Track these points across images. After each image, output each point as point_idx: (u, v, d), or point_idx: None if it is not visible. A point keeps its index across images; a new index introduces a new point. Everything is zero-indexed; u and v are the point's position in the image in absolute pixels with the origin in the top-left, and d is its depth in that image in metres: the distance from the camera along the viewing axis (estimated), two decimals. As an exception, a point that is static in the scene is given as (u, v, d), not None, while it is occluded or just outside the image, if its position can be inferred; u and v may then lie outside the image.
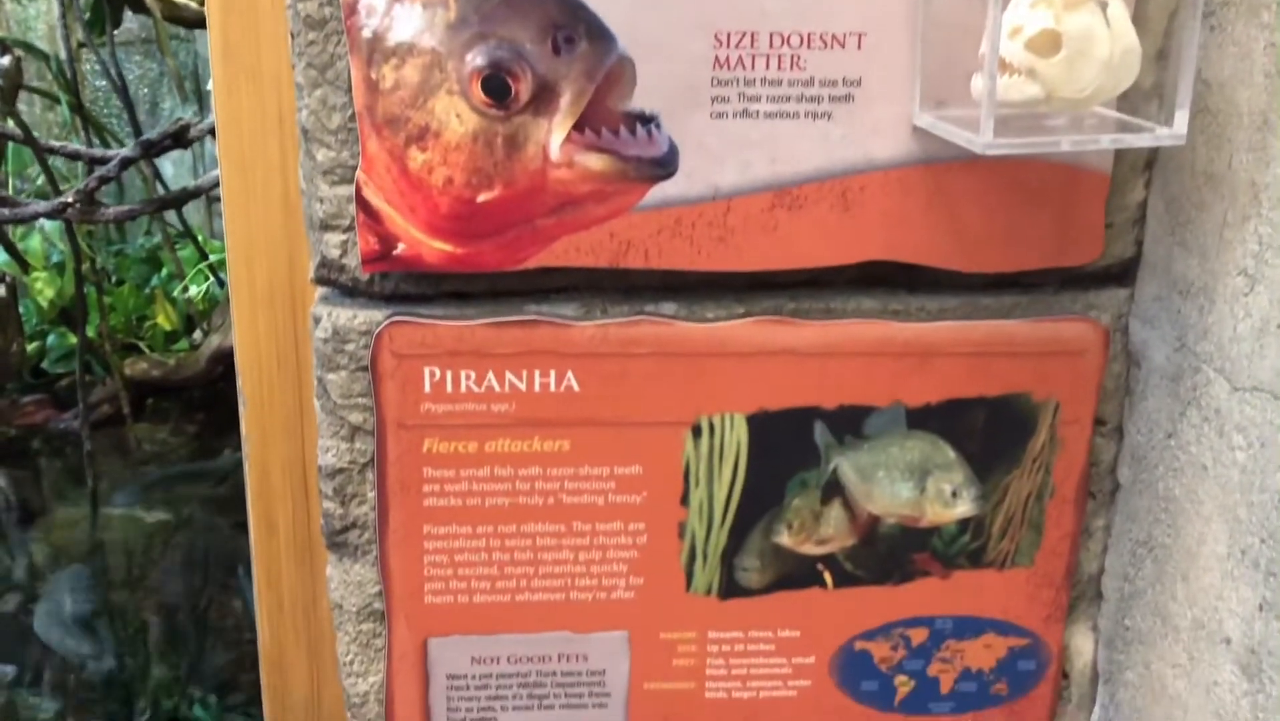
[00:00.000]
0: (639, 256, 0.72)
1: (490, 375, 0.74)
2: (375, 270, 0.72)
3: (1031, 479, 0.78)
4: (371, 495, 0.77)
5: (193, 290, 2.41)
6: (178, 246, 2.52)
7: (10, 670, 1.84)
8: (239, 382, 0.97)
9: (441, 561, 0.77)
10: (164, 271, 2.53)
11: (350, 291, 0.75)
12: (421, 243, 0.70)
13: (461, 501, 0.76)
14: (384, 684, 0.80)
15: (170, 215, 2.47)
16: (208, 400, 2.43)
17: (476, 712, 0.80)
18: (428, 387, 0.74)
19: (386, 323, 0.73)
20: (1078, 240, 0.75)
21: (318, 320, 0.75)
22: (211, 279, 2.40)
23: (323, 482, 0.77)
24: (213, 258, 2.43)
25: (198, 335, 2.46)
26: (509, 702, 0.80)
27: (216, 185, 1.82)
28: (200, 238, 2.52)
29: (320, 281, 0.75)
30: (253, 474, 0.98)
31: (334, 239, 0.73)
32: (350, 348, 0.74)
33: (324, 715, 1.02)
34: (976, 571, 0.80)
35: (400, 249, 0.71)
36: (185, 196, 1.83)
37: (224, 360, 2.33)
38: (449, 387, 0.74)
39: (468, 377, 0.74)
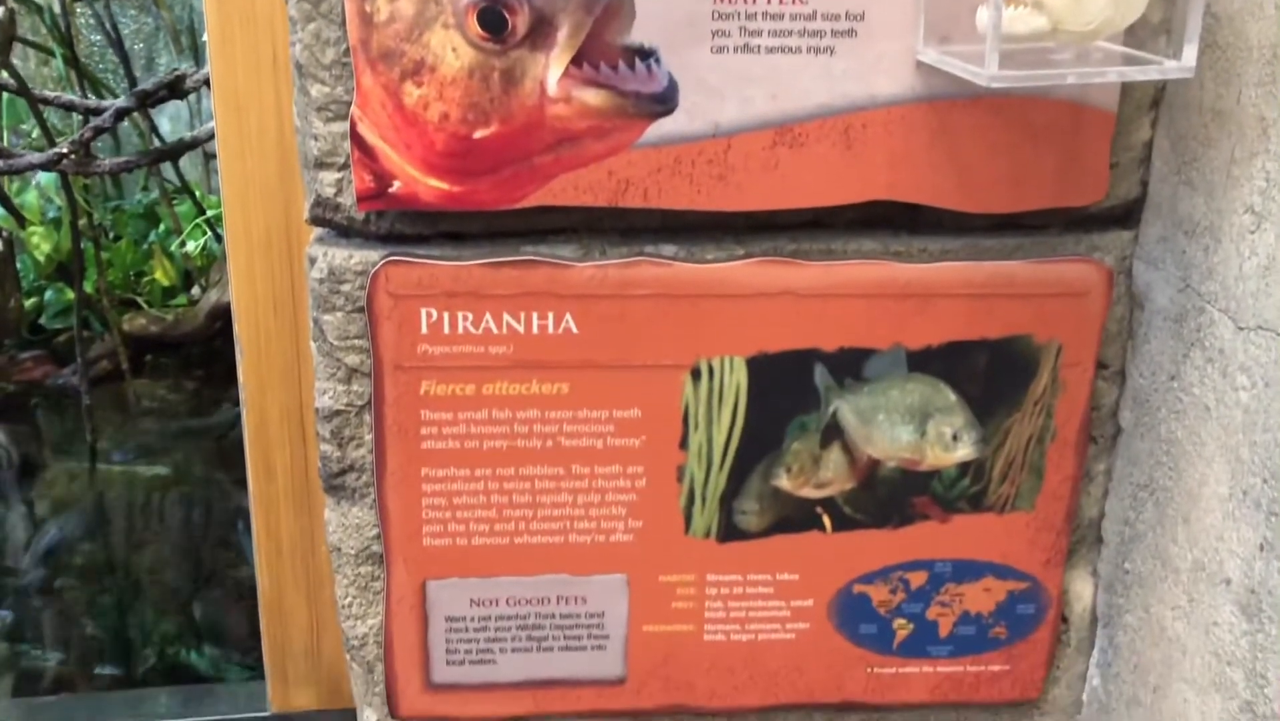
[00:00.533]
0: (638, 195, 0.71)
1: (488, 316, 0.73)
2: (371, 208, 0.71)
3: (1032, 422, 0.78)
4: (369, 437, 0.76)
5: (190, 245, 2.40)
6: (175, 202, 2.50)
7: (7, 614, 1.85)
8: (235, 329, 0.96)
9: (440, 504, 0.76)
10: (161, 227, 2.52)
11: (346, 231, 0.74)
12: (417, 180, 0.69)
13: (459, 444, 0.75)
14: (383, 626, 0.80)
15: (167, 171, 2.45)
16: (206, 356, 2.42)
17: (475, 654, 0.80)
18: (424, 329, 0.73)
19: (382, 262, 0.72)
20: (1082, 180, 0.74)
21: (313, 260, 0.74)
22: (209, 234, 2.39)
23: (320, 425, 0.77)
24: (210, 213, 2.42)
25: (196, 291, 2.45)
26: (508, 644, 0.80)
27: (214, 137, 1.81)
28: (198, 193, 2.50)
29: (315, 221, 0.74)
30: (250, 420, 0.98)
31: (329, 177, 0.72)
32: (346, 288, 0.74)
33: (323, 660, 1.02)
34: (976, 515, 0.79)
35: (396, 187, 0.70)
36: (182, 148, 1.82)
37: (222, 315, 2.33)
38: (446, 329, 0.73)
39: (465, 319, 0.73)
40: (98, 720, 1.16)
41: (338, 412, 0.76)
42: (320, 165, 0.72)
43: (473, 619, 0.79)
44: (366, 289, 0.73)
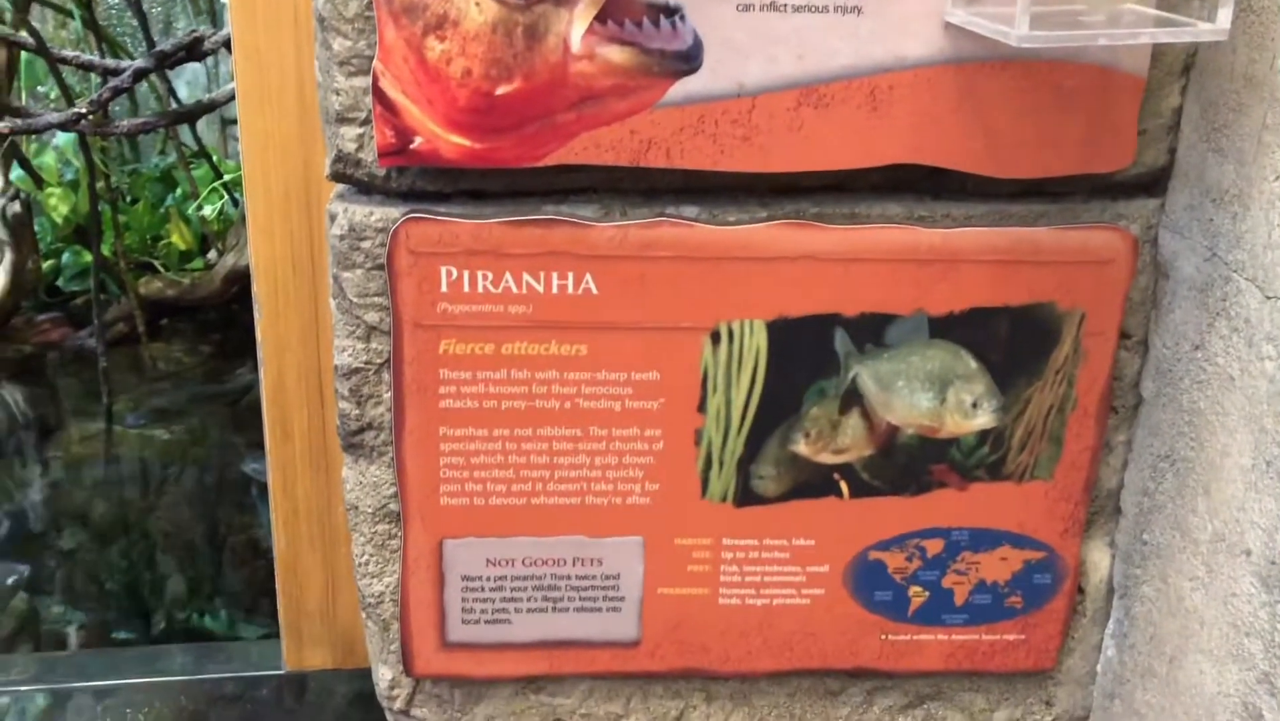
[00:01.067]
0: (660, 155, 0.70)
1: (508, 276, 0.73)
2: (392, 164, 0.71)
3: (1053, 391, 0.77)
4: (387, 396, 0.76)
5: (207, 209, 2.40)
6: (192, 166, 2.50)
7: (25, 569, 1.86)
8: (254, 288, 0.96)
9: (457, 463, 0.76)
10: (178, 191, 2.52)
11: (367, 188, 0.74)
12: (439, 136, 0.69)
13: (478, 403, 0.75)
14: (399, 584, 0.80)
15: (185, 135, 2.45)
16: (223, 321, 2.43)
17: (491, 614, 0.80)
18: (445, 287, 0.73)
19: (403, 219, 0.72)
20: (1109, 146, 0.73)
21: (333, 217, 0.74)
22: (226, 198, 2.38)
23: (338, 383, 0.77)
24: (227, 177, 2.42)
25: (212, 255, 2.45)
26: (523, 605, 0.80)
27: (232, 99, 1.80)
28: (214, 157, 2.50)
29: (336, 177, 0.74)
30: (268, 380, 0.98)
31: (350, 132, 0.72)
32: (366, 245, 0.73)
33: (338, 620, 1.03)
34: (994, 483, 0.79)
35: (418, 143, 0.69)
36: (200, 109, 1.81)
37: (239, 280, 2.33)
38: (466, 287, 0.73)
39: (485, 278, 0.73)
40: (113, 676, 1.17)
41: (356, 370, 0.76)
42: (341, 120, 0.72)
43: (489, 578, 0.79)
44: (387, 246, 0.72)
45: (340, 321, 0.76)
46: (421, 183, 0.73)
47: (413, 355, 0.74)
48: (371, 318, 0.75)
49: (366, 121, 0.71)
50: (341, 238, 0.74)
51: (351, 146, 0.72)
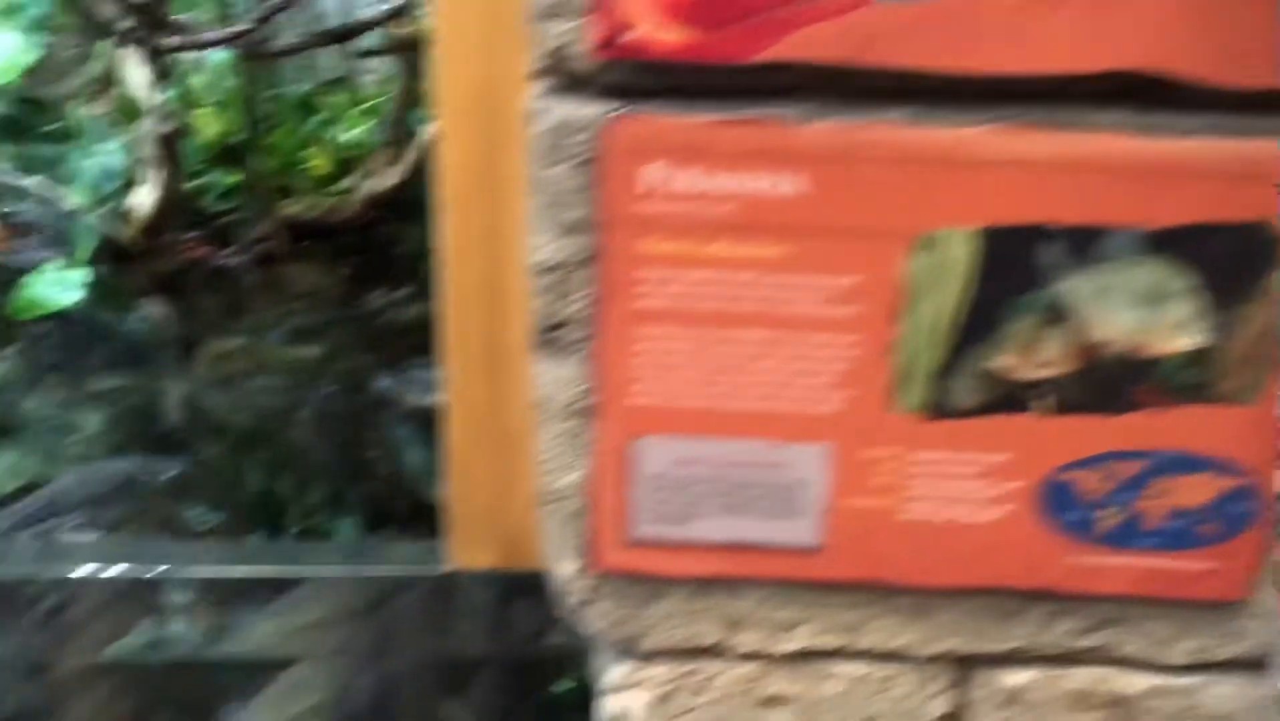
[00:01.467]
0: (878, 53, 0.69)
1: (713, 174, 0.73)
2: (606, 57, 0.71)
3: (1267, 314, 0.75)
4: (583, 293, 0.77)
5: (347, 134, 2.44)
6: (330, 93, 2.55)
7: (175, 467, 1.94)
8: (438, 192, 0.97)
9: (651, 362, 0.77)
10: (318, 116, 2.57)
11: (573, 84, 0.74)
12: (656, 28, 0.68)
13: (674, 303, 0.75)
14: (585, 480, 0.81)
15: (324, 63, 2.49)
16: (361, 244, 2.48)
17: (675, 513, 0.80)
18: (649, 185, 0.73)
19: (610, 116, 0.72)
20: (1348, 57, 0.69)
21: (539, 114, 0.74)
22: (366, 123, 2.43)
23: (536, 279, 0.78)
24: (368, 104, 2.46)
25: (352, 179, 2.50)
26: (707, 506, 0.80)
27: (385, 21, 1.82)
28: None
29: (543, 73, 0.74)
30: (449, 286, 0.99)
31: (559, 27, 0.72)
32: (571, 142, 0.74)
33: (508, 520, 1.05)
34: (1197, 406, 0.77)
35: (632, 35, 0.69)
36: (354, 30, 1.84)
37: (378, 204, 2.37)
38: (671, 185, 0.73)
39: (689, 176, 0.73)
40: (273, 564, 1.20)
41: (555, 267, 0.77)
42: (550, 15, 0.72)
43: (675, 479, 0.80)
44: (591, 143, 0.73)
45: (540, 218, 0.76)
46: (630, 79, 0.72)
47: (613, 252, 0.74)
48: (572, 215, 0.75)
49: (575, 16, 0.71)
50: (545, 134, 0.74)
51: (559, 42, 0.72)
